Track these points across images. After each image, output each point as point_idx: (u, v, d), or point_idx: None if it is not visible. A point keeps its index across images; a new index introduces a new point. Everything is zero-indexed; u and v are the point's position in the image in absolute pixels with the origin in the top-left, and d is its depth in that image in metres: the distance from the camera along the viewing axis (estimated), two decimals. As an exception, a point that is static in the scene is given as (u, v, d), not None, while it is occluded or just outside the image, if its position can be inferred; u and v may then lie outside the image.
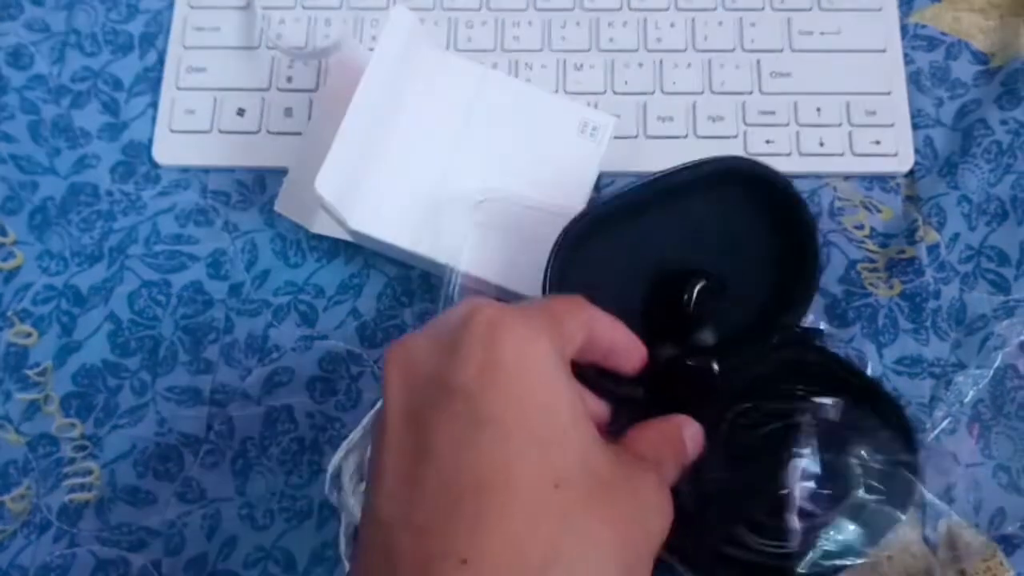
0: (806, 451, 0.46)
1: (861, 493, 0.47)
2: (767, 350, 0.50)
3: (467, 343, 0.34)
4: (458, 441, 0.32)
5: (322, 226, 0.55)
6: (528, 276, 0.50)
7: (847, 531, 0.47)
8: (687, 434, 0.41)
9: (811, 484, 0.46)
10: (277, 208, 0.55)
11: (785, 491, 0.46)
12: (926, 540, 0.50)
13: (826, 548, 0.46)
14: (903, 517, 0.47)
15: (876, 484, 0.47)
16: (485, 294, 0.52)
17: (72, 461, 0.52)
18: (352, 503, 0.47)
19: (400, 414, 0.34)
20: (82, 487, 0.52)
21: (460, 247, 0.52)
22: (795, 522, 0.46)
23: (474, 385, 0.33)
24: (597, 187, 0.56)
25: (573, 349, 0.38)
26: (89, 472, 0.52)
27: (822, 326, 0.53)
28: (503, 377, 0.34)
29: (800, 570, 0.45)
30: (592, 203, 0.48)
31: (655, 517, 0.37)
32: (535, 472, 0.32)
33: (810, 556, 0.46)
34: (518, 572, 0.31)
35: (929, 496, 0.50)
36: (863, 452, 0.46)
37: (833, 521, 0.46)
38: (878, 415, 0.48)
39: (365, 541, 0.34)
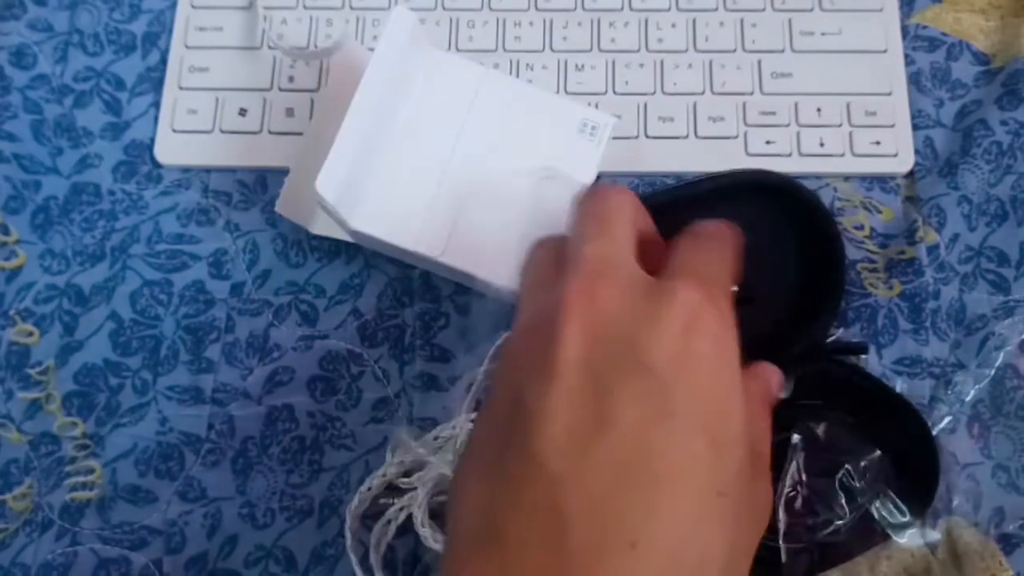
0: (814, 461, 0.47)
1: (867, 509, 0.47)
2: (789, 362, 0.51)
3: (667, 320, 0.33)
4: (644, 425, 0.32)
5: (322, 227, 0.55)
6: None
7: (842, 537, 0.47)
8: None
9: (812, 493, 0.47)
10: (278, 209, 0.56)
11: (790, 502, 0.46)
12: (925, 539, 0.50)
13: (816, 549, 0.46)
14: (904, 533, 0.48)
15: (888, 501, 0.47)
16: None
17: (74, 460, 0.53)
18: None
19: (578, 362, 0.33)
20: (84, 486, 0.52)
21: (465, 249, 0.52)
22: (792, 530, 0.46)
23: (668, 370, 0.32)
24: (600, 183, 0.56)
25: None
26: (91, 471, 0.52)
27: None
28: (699, 371, 0.33)
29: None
30: None
31: (764, 520, 0.38)
32: (707, 478, 0.32)
33: (798, 555, 0.46)
34: (678, 568, 0.31)
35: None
36: (879, 472, 0.47)
37: (831, 532, 0.47)
38: (901, 429, 0.49)
39: (518, 476, 0.32)
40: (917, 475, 0.48)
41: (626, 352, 0.33)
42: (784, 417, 0.48)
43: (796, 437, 0.47)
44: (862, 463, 0.47)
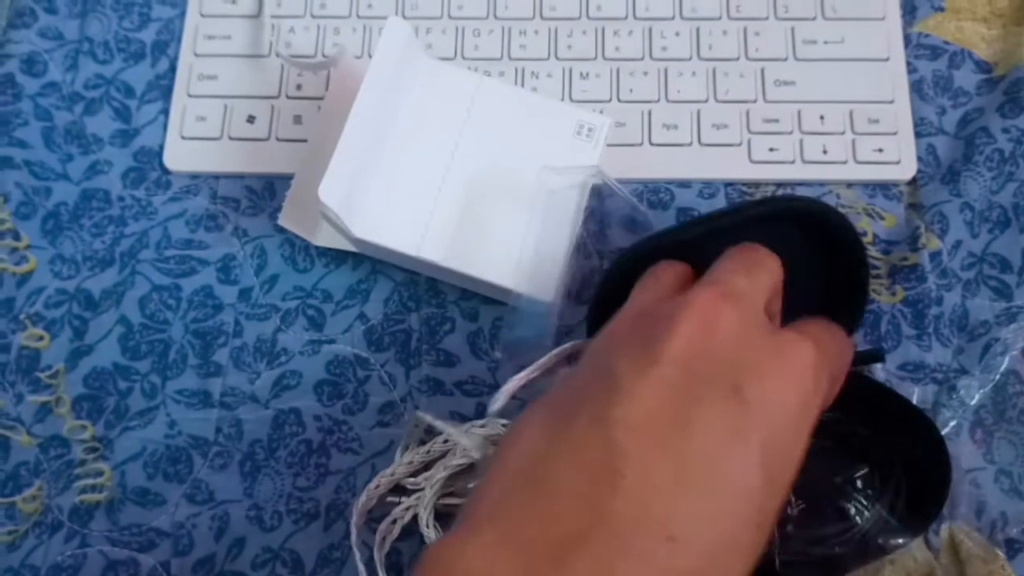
0: (808, 483, 0.47)
1: (865, 527, 0.48)
2: None
3: (779, 366, 0.36)
4: (719, 442, 0.33)
5: (325, 239, 0.56)
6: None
7: (840, 555, 0.48)
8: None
9: (810, 511, 0.47)
10: (281, 222, 0.56)
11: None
12: (928, 544, 0.50)
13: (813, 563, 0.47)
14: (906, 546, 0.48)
15: (884, 520, 0.47)
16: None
17: (83, 463, 0.53)
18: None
19: (681, 360, 0.35)
20: (93, 488, 0.53)
21: (467, 253, 0.53)
22: (787, 544, 0.47)
23: (758, 406, 0.34)
24: (599, 195, 0.56)
25: None
26: (100, 473, 0.53)
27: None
28: (782, 417, 0.35)
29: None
30: (639, 239, 0.48)
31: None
32: (754, 510, 0.33)
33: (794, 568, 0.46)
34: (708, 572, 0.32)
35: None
36: (874, 490, 0.47)
37: (827, 547, 0.47)
38: (913, 439, 0.49)
39: (584, 435, 0.34)
40: (926, 484, 0.48)
41: (727, 373, 0.35)
42: None
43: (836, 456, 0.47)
44: (858, 482, 0.48)
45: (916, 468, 0.48)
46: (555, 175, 0.52)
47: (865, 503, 0.47)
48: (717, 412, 0.34)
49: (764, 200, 0.48)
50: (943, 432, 0.51)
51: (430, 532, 0.47)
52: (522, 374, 0.49)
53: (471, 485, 0.51)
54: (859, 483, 0.48)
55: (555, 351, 0.51)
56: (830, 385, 0.39)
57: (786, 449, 0.35)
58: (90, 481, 0.53)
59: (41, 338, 0.55)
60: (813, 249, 0.47)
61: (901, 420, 0.50)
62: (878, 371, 0.53)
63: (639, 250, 0.46)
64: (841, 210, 0.57)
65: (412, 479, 0.50)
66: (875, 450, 0.49)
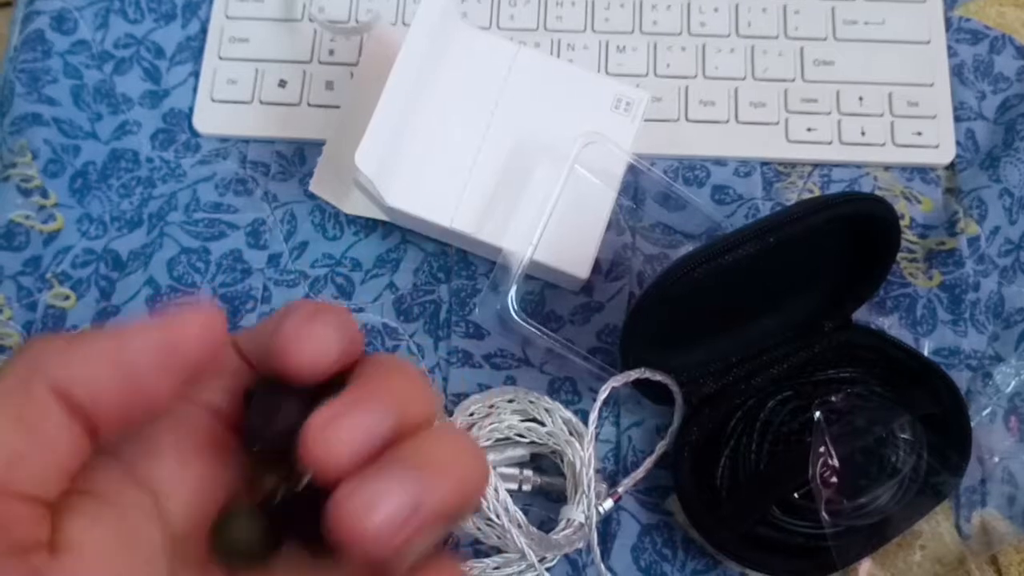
0: (841, 435, 0.47)
1: (902, 476, 0.47)
2: (817, 338, 0.51)
3: None
4: None
5: (354, 207, 0.55)
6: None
7: (886, 511, 0.47)
8: None
9: (846, 467, 0.46)
10: (312, 188, 0.55)
11: (822, 472, 0.46)
12: (959, 530, 0.50)
13: (862, 527, 0.46)
14: (942, 500, 0.48)
15: (924, 465, 0.47)
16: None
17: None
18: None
19: None
20: None
21: (500, 225, 0.52)
22: (831, 503, 0.46)
23: None
24: (634, 170, 0.55)
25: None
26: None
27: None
28: None
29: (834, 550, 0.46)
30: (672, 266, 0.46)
31: None
32: None
33: (841, 537, 0.46)
34: None
35: (965, 485, 0.50)
36: (906, 435, 0.47)
37: (872, 501, 0.47)
38: (932, 395, 0.49)
39: None
40: (949, 437, 0.48)
41: None
42: (808, 394, 0.49)
43: (817, 415, 0.47)
44: (894, 428, 0.47)
45: (935, 423, 0.48)
46: (592, 149, 0.51)
47: (905, 450, 0.47)
48: None
49: (816, 206, 0.46)
50: (977, 419, 0.51)
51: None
52: (467, 403, 0.51)
53: (499, 457, 0.50)
54: (897, 431, 0.47)
55: (498, 389, 0.52)
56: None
57: None
58: (115, 442, 0.52)
59: (67, 297, 0.55)
60: (843, 224, 0.47)
61: (916, 376, 0.50)
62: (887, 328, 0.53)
63: (679, 275, 0.45)
64: (878, 192, 0.56)
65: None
66: (894, 404, 0.49)
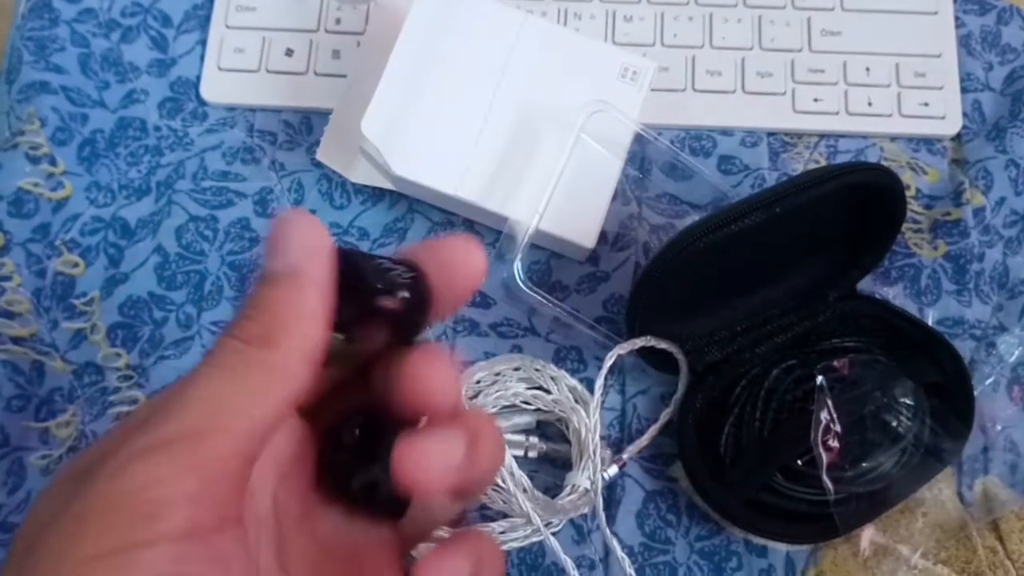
0: (844, 401, 0.47)
1: (904, 442, 0.47)
2: (822, 307, 0.51)
3: None
4: None
5: (361, 176, 0.55)
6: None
7: (889, 478, 0.47)
8: None
9: (849, 433, 0.47)
10: (319, 156, 0.56)
11: (824, 439, 0.47)
12: (961, 498, 0.50)
13: (864, 494, 0.46)
14: (950, 463, 0.48)
15: (927, 430, 0.47)
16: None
17: (117, 390, 0.53)
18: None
19: None
20: (127, 416, 0.53)
21: (506, 194, 0.52)
22: (833, 469, 0.46)
23: None
24: (640, 140, 0.55)
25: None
26: (134, 401, 0.53)
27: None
28: None
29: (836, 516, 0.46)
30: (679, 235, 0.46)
31: None
32: None
33: (847, 503, 0.46)
34: None
35: (967, 453, 0.50)
36: (909, 401, 0.47)
37: (875, 468, 0.47)
38: (935, 363, 0.49)
39: None
40: (953, 404, 0.49)
41: None
42: (813, 363, 0.49)
43: (820, 379, 0.47)
44: (896, 393, 0.47)
45: (938, 391, 0.49)
46: (599, 119, 0.51)
47: (908, 415, 0.47)
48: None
49: (823, 176, 0.46)
50: (980, 388, 0.51)
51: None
52: (473, 370, 0.51)
53: (506, 424, 0.51)
54: (899, 396, 0.47)
55: (504, 356, 0.52)
56: None
57: None
58: (124, 408, 0.53)
59: (76, 265, 0.55)
60: (855, 205, 0.47)
61: (919, 345, 0.50)
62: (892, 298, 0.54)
63: (686, 244, 0.45)
64: (884, 163, 0.56)
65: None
66: (896, 371, 0.49)
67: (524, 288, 0.49)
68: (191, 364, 0.53)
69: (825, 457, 0.45)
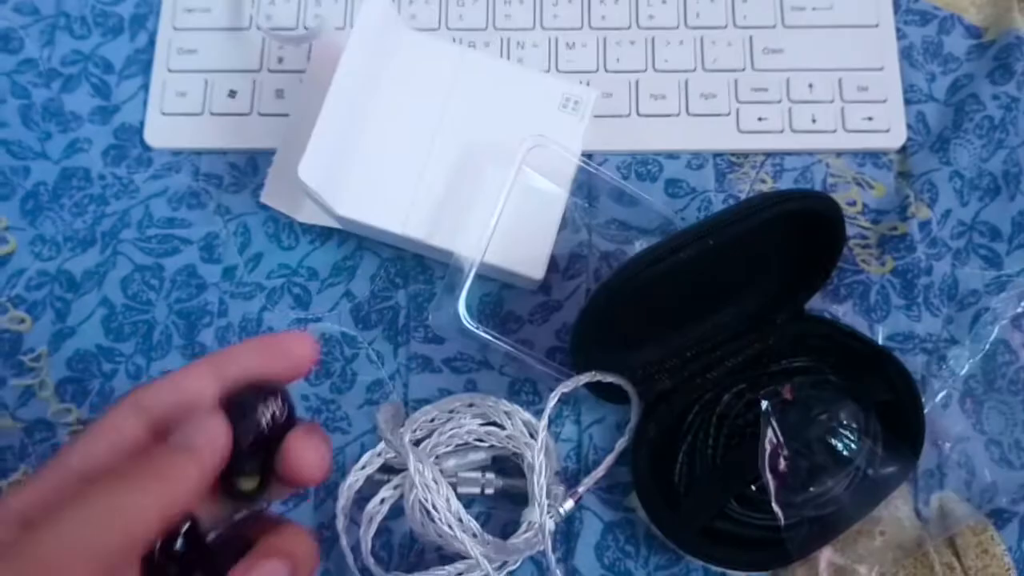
0: (790, 425, 0.47)
1: (857, 463, 0.47)
2: (770, 329, 0.51)
3: None
4: None
5: (309, 215, 0.55)
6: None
7: (839, 500, 0.47)
8: None
9: (796, 458, 0.47)
10: (263, 199, 0.55)
11: (773, 464, 0.47)
12: (918, 514, 0.50)
13: (815, 518, 0.46)
14: (899, 486, 0.48)
15: (875, 452, 0.47)
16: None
17: (69, 446, 0.53)
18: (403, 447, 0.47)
19: None
20: None
21: (453, 229, 0.52)
22: (783, 494, 0.46)
23: None
24: (590, 164, 0.55)
25: None
26: (86, 456, 0.52)
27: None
28: None
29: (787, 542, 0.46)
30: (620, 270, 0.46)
31: None
32: None
33: (799, 528, 0.46)
34: None
35: (922, 468, 0.50)
36: (855, 424, 0.47)
37: (825, 492, 0.47)
38: (885, 382, 0.49)
39: None
40: (904, 424, 0.49)
41: None
42: (763, 386, 0.49)
43: (764, 404, 0.47)
44: (843, 416, 0.47)
45: (889, 410, 0.49)
46: (542, 150, 0.51)
47: (853, 438, 0.47)
48: None
49: (759, 205, 0.46)
50: (933, 402, 0.51)
51: (417, 516, 0.46)
52: (427, 409, 0.51)
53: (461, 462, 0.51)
54: (844, 419, 0.47)
55: (456, 397, 0.52)
56: None
57: None
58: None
59: (23, 321, 0.55)
60: (795, 230, 0.47)
61: (869, 363, 0.50)
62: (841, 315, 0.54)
63: (620, 284, 0.45)
64: (831, 179, 0.57)
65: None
66: (850, 393, 0.49)
67: (470, 327, 0.49)
68: (141, 416, 0.53)
69: (773, 483, 0.45)
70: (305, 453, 0.34)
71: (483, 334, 0.49)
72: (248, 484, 0.33)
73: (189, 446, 0.31)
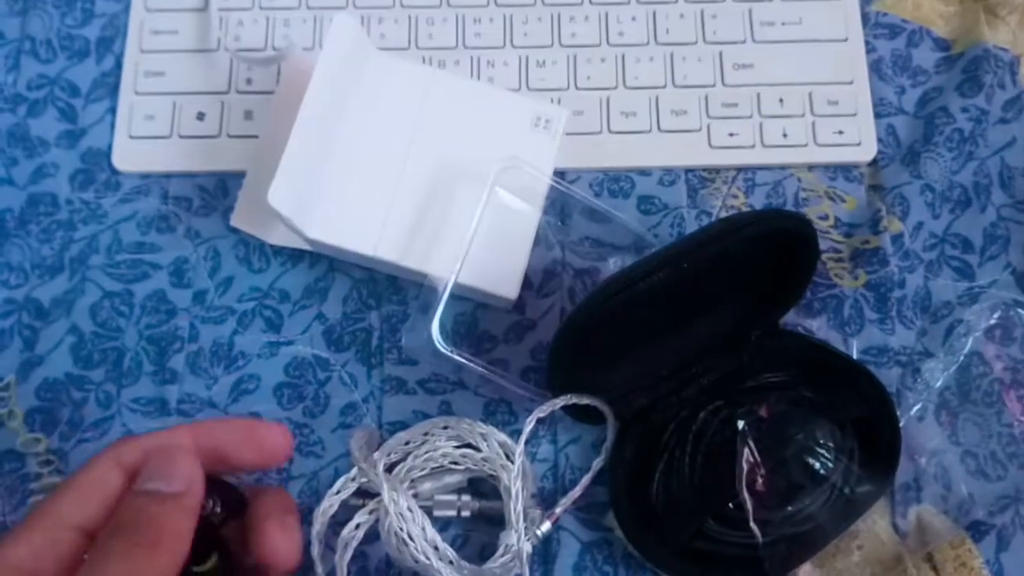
0: (766, 444, 0.47)
1: (833, 480, 0.47)
2: (745, 346, 0.51)
3: None
4: None
5: (280, 237, 0.54)
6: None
7: (816, 518, 0.47)
8: None
9: (772, 476, 0.47)
10: (233, 222, 0.55)
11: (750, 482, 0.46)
12: (895, 528, 0.50)
13: (793, 536, 0.46)
14: (875, 502, 0.48)
15: (850, 470, 0.47)
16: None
17: (38, 477, 0.52)
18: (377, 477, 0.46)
19: None
20: None
21: (425, 251, 0.52)
22: (760, 513, 0.46)
23: None
24: (562, 181, 0.55)
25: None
26: (55, 488, 0.51)
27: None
28: None
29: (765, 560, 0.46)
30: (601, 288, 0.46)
31: None
32: None
33: (777, 545, 0.46)
34: None
35: (899, 482, 0.50)
36: (831, 442, 0.47)
37: (802, 510, 0.47)
38: (860, 397, 0.49)
39: None
40: (880, 439, 0.49)
41: None
42: (739, 403, 0.49)
43: (740, 423, 0.47)
44: (818, 434, 0.48)
45: (865, 425, 0.49)
46: (513, 169, 0.51)
47: (829, 456, 0.47)
48: None
49: (732, 226, 0.46)
50: (908, 415, 0.51)
51: (392, 541, 0.46)
52: (401, 435, 0.51)
53: (437, 485, 0.50)
54: (820, 438, 0.48)
55: (430, 421, 0.51)
56: None
57: None
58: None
59: (-10, 350, 0.54)
60: (769, 250, 0.47)
61: (844, 378, 0.50)
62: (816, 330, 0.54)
63: (594, 307, 0.45)
64: (803, 194, 0.57)
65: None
66: (826, 409, 0.49)
67: (443, 350, 0.49)
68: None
69: (751, 501, 0.45)
70: (275, 540, 0.38)
71: (457, 357, 0.49)
72: (202, 568, 0.37)
73: (169, 492, 0.35)
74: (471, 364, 0.50)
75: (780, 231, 0.46)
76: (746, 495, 0.46)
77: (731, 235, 0.44)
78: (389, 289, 0.55)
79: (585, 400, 0.48)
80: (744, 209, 0.56)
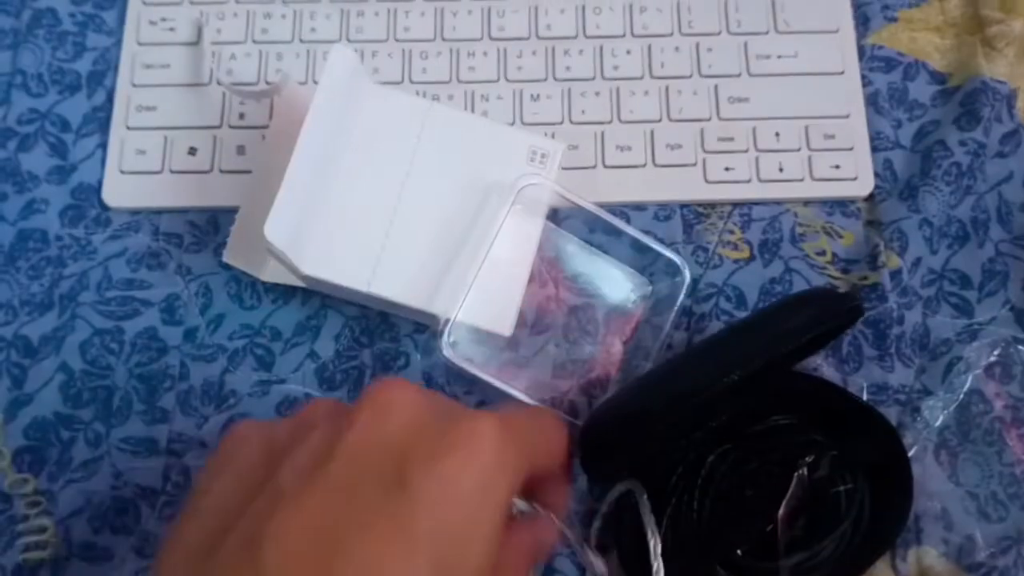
0: (786, 489, 0.46)
1: (846, 526, 0.47)
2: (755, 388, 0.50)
3: (452, 448, 0.34)
4: (377, 547, 0.31)
5: (272, 274, 0.54)
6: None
7: (826, 566, 0.47)
8: None
9: (790, 521, 0.46)
10: (226, 258, 0.54)
11: (761, 530, 0.46)
12: (895, 570, 0.49)
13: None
14: (886, 551, 0.47)
15: (863, 515, 0.47)
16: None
17: (26, 518, 0.51)
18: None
19: (350, 452, 0.33)
20: (36, 545, 0.51)
21: (420, 288, 0.51)
22: (774, 558, 0.46)
23: (424, 496, 0.32)
24: (555, 219, 0.55)
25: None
26: (43, 529, 0.51)
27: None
28: (452, 500, 0.33)
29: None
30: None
31: None
32: None
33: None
34: None
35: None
36: (849, 484, 0.46)
37: (814, 556, 0.46)
38: (871, 440, 0.48)
39: (232, 539, 0.32)
40: (891, 484, 0.48)
41: (393, 461, 0.33)
42: (749, 446, 0.48)
43: (802, 472, 0.47)
44: (836, 477, 0.47)
45: (878, 469, 0.48)
46: (509, 203, 0.51)
47: (844, 500, 0.47)
48: (378, 507, 0.32)
49: (788, 332, 0.45)
50: (908, 454, 0.50)
51: None
52: None
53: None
54: (838, 483, 0.48)
55: None
56: (524, 460, 0.36)
57: (461, 533, 0.33)
58: (33, 538, 0.51)
59: (-22, 389, 0.53)
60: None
61: (855, 421, 0.50)
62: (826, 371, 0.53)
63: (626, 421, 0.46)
64: (799, 229, 0.56)
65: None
66: (839, 453, 0.48)
67: (460, 364, 0.49)
68: (100, 486, 0.52)
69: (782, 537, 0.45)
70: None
71: (478, 374, 0.50)
72: None
73: None
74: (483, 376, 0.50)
75: (836, 329, 0.47)
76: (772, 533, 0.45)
77: (787, 340, 0.44)
78: (382, 326, 0.55)
79: (621, 488, 0.49)
80: (740, 245, 0.56)
